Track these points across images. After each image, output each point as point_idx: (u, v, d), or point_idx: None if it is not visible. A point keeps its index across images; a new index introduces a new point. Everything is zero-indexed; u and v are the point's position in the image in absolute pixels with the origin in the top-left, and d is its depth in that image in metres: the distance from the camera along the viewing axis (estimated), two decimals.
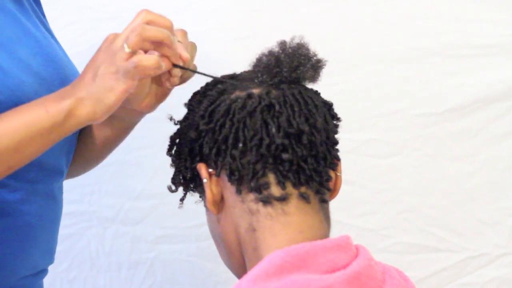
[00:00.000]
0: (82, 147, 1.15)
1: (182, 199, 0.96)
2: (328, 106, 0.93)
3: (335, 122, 0.93)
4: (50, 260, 1.13)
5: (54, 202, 1.10)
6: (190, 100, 0.95)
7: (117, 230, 1.69)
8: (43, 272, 1.12)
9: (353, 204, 1.62)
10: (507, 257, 1.64)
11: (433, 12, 1.61)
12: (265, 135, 0.86)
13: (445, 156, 1.62)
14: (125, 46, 0.87)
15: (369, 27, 1.61)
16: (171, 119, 0.96)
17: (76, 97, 0.89)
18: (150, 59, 0.88)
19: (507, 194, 1.63)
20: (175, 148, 0.95)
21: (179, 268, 1.69)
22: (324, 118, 0.90)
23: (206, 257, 1.67)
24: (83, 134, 1.14)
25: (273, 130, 0.86)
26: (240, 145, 0.86)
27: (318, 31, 1.58)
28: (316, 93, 0.93)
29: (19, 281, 1.06)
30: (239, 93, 0.89)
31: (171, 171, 0.96)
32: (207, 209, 0.92)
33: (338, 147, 0.93)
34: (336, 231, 0.91)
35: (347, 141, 1.59)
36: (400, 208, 1.64)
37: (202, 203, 0.95)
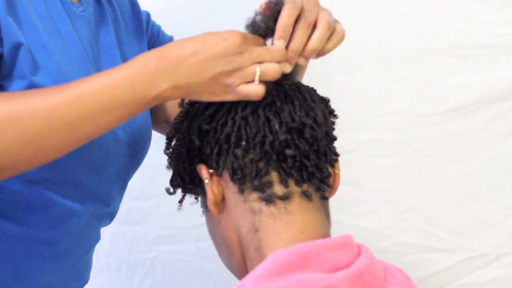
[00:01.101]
0: None
1: (180, 201, 0.95)
2: (325, 102, 0.93)
3: (332, 118, 0.93)
4: (73, 283, 1.12)
5: (87, 228, 1.09)
6: (183, 100, 0.93)
7: (116, 230, 1.69)
8: None
9: (354, 204, 1.62)
10: (507, 257, 1.63)
11: (433, 12, 1.61)
12: (268, 132, 0.86)
13: (445, 156, 1.62)
14: (257, 76, 0.83)
15: (369, 27, 1.61)
16: (166, 121, 0.95)
17: (174, 83, 0.81)
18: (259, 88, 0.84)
19: (507, 194, 1.63)
20: (171, 150, 0.93)
21: (178, 268, 1.69)
22: (323, 113, 0.90)
23: (206, 257, 1.67)
24: None
25: (276, 126, 0.86)
26: (243, 143, 0.86)
27: None
28: (313, 89, 0.93)
29: None
30: None
31: (170, 172, 0.96)
32: (206, 210, 0.92)
33: (338, 146, 0.93)
34: (336, 231, 0.91)
35: (347, 141, 1.59)
36: (400, 208, 1.63)
37: (199, 204, 0.95)
